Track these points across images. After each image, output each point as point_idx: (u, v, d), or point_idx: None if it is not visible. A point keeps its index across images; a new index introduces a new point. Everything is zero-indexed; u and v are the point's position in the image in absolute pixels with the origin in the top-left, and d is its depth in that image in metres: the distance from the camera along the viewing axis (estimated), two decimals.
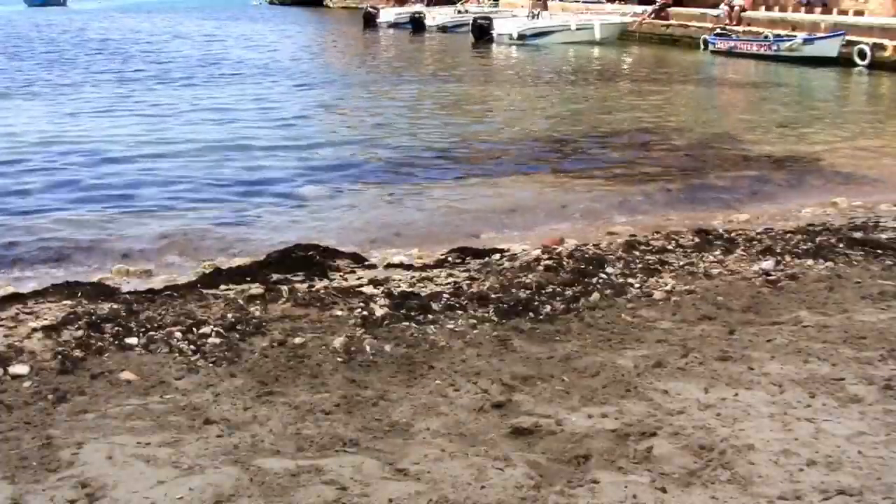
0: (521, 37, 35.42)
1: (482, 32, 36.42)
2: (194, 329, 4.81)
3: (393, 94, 20.39)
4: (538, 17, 37.90)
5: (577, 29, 35.77)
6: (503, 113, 17.54)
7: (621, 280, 5.85)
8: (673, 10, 36.70)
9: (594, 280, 5.82)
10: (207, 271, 6.65)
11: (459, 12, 44.51)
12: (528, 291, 5.59)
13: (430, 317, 5.15)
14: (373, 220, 8.98)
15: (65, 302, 5.40)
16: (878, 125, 16.32)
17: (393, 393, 4.08)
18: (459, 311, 5.26)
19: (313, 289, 5.76)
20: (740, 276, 5.95)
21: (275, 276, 6.15)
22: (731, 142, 13.97)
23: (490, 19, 37.67)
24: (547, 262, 6.23)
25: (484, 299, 5.45)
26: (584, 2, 42.48)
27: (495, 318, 5.14)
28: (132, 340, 4.65)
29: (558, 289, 5.64)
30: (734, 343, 4.66)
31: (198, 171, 11.31)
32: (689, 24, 34.57)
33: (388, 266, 6.71)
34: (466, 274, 6.18)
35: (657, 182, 10.85)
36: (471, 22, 38.54)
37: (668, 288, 5.68)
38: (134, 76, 23.26)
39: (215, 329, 4.82)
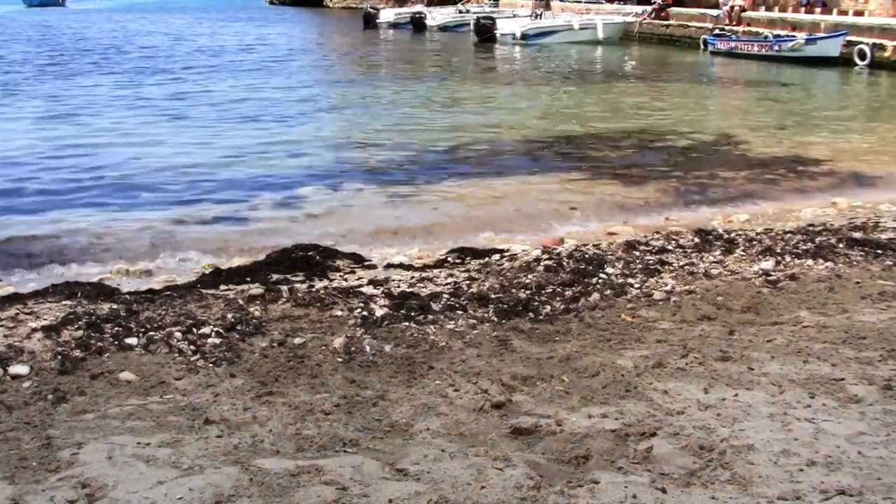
0: (525, 36, 35.49)
1: (485, 32, 36.46)
2: (194, 329, 4.81)
3: (393, 94, 20.40)
4: (541, 17, 37.96)
5: (581, 29, 35.83)
6: (504, 113, 17.55)
7: (621, 280, 5.84)
8: (673, 10, 36.73)
9: (594, 280, 5.82)
10: (207, 271, 6.65)
11: (460, 12, 44.56)
12: (527, 292, 5.59)
13: (430, 317, 5.15)
14: (372, 220, 8.98)
15: (65, 302, 5.39)
16: (878, 125, 16.32)
17: (393, 393, 4.08)
18: (459, 312, 5.26)
19: (313, 289, 5.76)
20: (740, 277, 5.95)
21: (275, 276, 6.15)
22: (731, 142, 13.98)
23: (493, 19, 37.73)
24: (547, 262, 6.23)
25: (484, 299, 5.45)
26: (585, 1, 42.53)
27: (495, 319, 5.14)
28: (132, 340, 4.65)
29: (558, 289, 5.63)
30: (734, 343, 4.66)
31: (197, 171, 11.32)
32: (689, 24, 34.61)
33: (388, 266, 6.71)
34: (466, 274, 6.17)
35: (657, 182, 10.87)
36: (472, 22, 38.58)
37: (668, 288, 5.68)
38: (132, 77, 23.27)
39: (215, 329, 4.82)
